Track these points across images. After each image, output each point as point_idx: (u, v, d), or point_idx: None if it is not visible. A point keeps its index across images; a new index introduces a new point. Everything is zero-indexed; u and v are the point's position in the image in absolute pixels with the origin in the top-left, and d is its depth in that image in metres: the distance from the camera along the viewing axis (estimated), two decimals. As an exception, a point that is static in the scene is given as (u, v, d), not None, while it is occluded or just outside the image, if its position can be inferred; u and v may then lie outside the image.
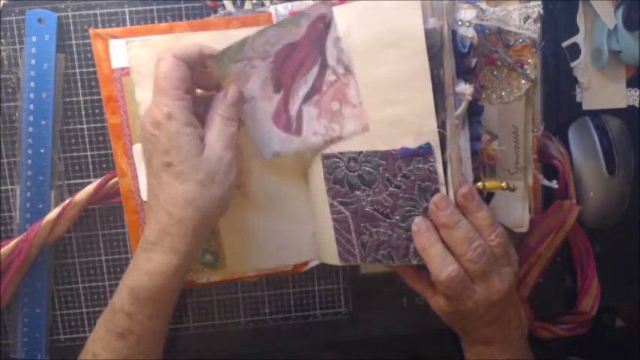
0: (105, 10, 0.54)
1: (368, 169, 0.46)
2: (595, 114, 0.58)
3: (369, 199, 0.47)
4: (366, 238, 0.48)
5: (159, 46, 0.50)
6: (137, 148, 0.52)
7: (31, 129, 0.54)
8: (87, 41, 0.53)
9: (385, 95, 0.45)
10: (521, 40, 0.49)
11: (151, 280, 0.43)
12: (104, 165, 0.55)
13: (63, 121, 0.55)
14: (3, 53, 0.54)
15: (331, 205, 0.49)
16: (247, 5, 0.53)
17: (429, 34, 0.43)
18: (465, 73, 0.45)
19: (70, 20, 0.54)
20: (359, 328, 0.59)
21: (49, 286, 0.56)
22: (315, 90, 0.47)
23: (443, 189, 0.45)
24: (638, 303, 0.61)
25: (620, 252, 0.59)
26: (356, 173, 0.47)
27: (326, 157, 0.48)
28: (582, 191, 0.57)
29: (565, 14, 0.57)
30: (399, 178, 0.46)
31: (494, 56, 0.49)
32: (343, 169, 0.47)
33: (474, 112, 0.46)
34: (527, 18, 0.48)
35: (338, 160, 0.47)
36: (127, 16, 0.54)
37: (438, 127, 0.44)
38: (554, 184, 0.55)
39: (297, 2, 0.51)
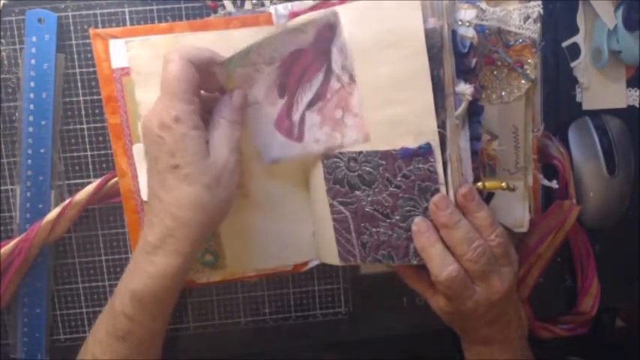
0: (105, 10, 0.54)
1: (368, 169, 0.46)
2: (595, 114, 0.58)
3: (369, 199, 0.47)
4: (366, 238, 0.48)
5: (159, 46, 0.50)
6: (137, 148, 0.52)
7: (31, 129, 0.54)
8: (87, 41, 0.53)
9: (385, 95, 0.45)
10: (521, 40, 0.49)
11: (153, 284, 0.43)
12: (104, 165, 0.55)
13: (63, 121, 0.55)
14: (3, 53, 0.54)
15: (331, 205, 0.49)
16: (247, 5, 0.53)
17: (429, 34, 0.43)
18: (465, 73, 0.45)
19: (70, 20, 0.54)
20: (359, 328, 0.59)
21: (49, 286, 0.56)
22: (319, 97, 0.47)
23: (443, 189, 0.45)
24: (638, 303, 0.61)
25: (620, 252, 0.59)
26: (356, 173, 0.47)
27: (326, 157, 0.48)
28: (582, 191, 0.57)
29: (565, 14, 0.57)
30: (399, 178, 0.46)
31: (494, 56, 0.49)
32: (343, 169, 0.47)
33: (474, 112, 0.46)
34: (527, 18, 0.48)
35: (338, 160, 0.47)
36: (127, 16, 0.54)
37: (438, 127, 0.44)
38: (554, 184, 0.55)
39: (297, 2, 0.51)
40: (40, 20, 0.53)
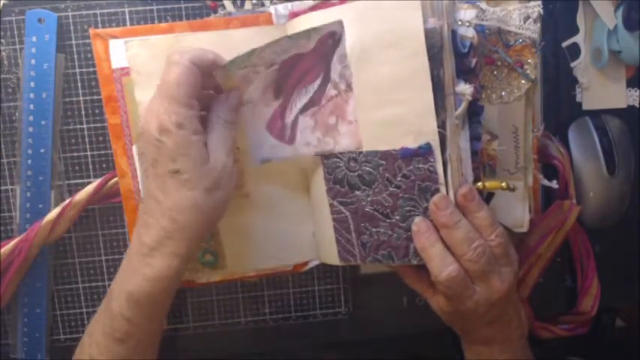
0: (105, 10, 0.54)
1: (368, 169, 0.46)
2: (595, 114, 0.58)
3: (369, 199, 0.47)
4: (366, 238, 0.48)
5: (158, 46, 0.50)
6: (137, 148, 0.52)
7: (31, 129, 0.54)
8: (87, 41, 0.53)
9: (385, 95, 0.45)
10: (521, 40, 0.49)
11: (150, 286, 0.43)
12: (104, 165, 0.55)
13: (63, 121, 0.55)
14: (3, 53, 0.54)
15: (331, 205, 0.49)
16: (247, 5, 0.53)
17: (429, 34, 0.43)
18: (465, 73, 0.45)
19: (70, 20, 0.54)
20: (359, 328, 0.59)
21: (49, 286, 0.56)
22: (314, 102, 0.47)
23: (443, 189, 0.45)
24: (638, 303, 0.61)
25: (620, 252, 0.59)
26: (356, 173, 0.47)
27: (326, 157, 0.48)
28: (582, 191, 0.57)
29: (565, 14, 0.57)
30: (399, 178, 0.46)
31: (494, 56, 0.49)
32: (343, 169, 0.47)
33: (474, 112, 0.46)
34: (527, 18, 0.48)
35: (338, 160, 0.47)
36: (127, 16, 0.54)
37: (438, 127, 0.44)
38: (554, 184, 0.55)
39: (297, 2, 0.51)
40: (40, 20, 0.53)
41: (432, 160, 0.45)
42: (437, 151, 0.44)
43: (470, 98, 0.44)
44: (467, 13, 0.45)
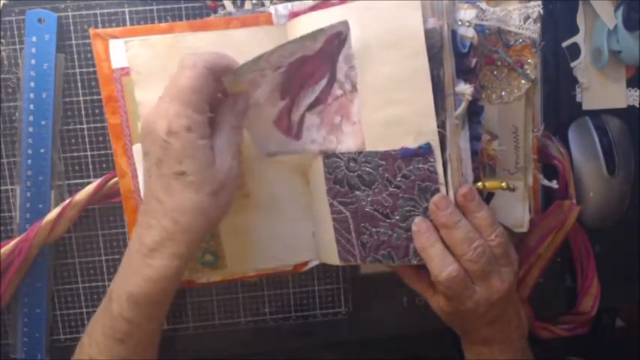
0: (105, 10, 0.54)
1: (368, 169, 0.46)
2: (595, 114, 0.58)
3: (369, 199, 0.47)
4: (366, 238, 0.48)
5: (158, 46, 0.50)
6: (137, 148, 0.52)
7: (31, 129, 0.54)
8: (87, 41, 0.53)
9: (385, 95, 0.45)
10: (521, 40, 0.49)
11: (152, 286, 0.43)
12: (104, 165, 0.55)
13: (63, 121, 0.55)
14: (3, 53, 0.54)
15: (331, 205, 0.49)
16: (247, 5, 0.53)
17: (429, 34, 0.43)
18: (465, 73, 0.45)
19: (70, 20, 0.54)
20: (359, 328, 0.59)
21: (49, 286, 0.56)
22: (320, 100, 0.47)
23: (443, 189, 0.45)
24: (638, 303, 0.61)
25: (620, 252, 0.59)
26: (356, 173, 0.47)
27: (326, 157, 0.48)
28: (582, 191, 0.57)
29: (565, 14, 0.57)
30: (398, 178, 0.46)
31: (494, 56, 0.49)
32: (343, 169, 0.47)
33: (474, 112, 0.46)
34: (527, 18, 0.48)
35: (338, 160, 0.48)
36: (127, 16, 0.54)
37: (438, 127, 0.44)
38: (554, 184, 0.55)
39: (297, 2, 0.51)
40: (40, 20, 0.53)
41: (431, 160, 0.45)
42: (437, 151, 0.44)
43: (470, 98, 0.44)
44: (467, 13, 0.45)
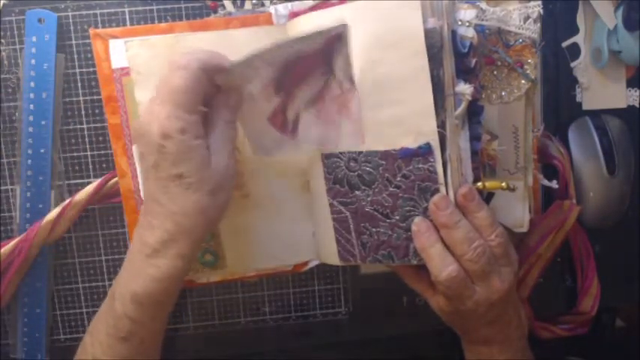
0: (105, 10, 0.54)
1: (368, 169, 0.46)
2: (595, 114, 0.58)
3: (369, 199, 0.47)
4: (366, 238, 0.48)
5: (158, 46, 0.50)
6: (136, 149, 0.52)
7: (31, 129, 0.54)
8: (87, 41, 0.53)
9: (385, 95, 0.45)
10: (521, 40, 0.49)
11: (156, 286, 0.43)
12: (104, 165, 0.55)
13: (63, 121, 0.55)
14: (3, 53, 0.54)
15: (331, 205, 0.49)
16: (247, 5, 0.53)
17: (429, 34, 0.43)
18: (465, 73, 0.45)
19: (70, 20, 0.54)
20: (359, 328, 0.59)
21: (49, 286, 0.56)
22: (317, 98, 0.47)
23: (443, 189, 0.45)
24: (638, 303, 0.61)
25: (620, 252, 0.59)
26: (356, 173, 0.47)
27: (326, 156, 0.48)
28: (582, 191, 0.57)
29: (565, 14, 0.57)
30: (398, 178, 0.46)
31: (494, 56, 0.49)
32: (343, 169, 0.47)
33: (474, 112, 0.46)
34: (527, 18, 0.48)
35: (338, 159, 0.47)
36: (127, 16, 0.54)
37: (438, 127, 0.44)
38: (554, 184, 0.55)
39: (297, 2, 0.51)
40: (40, 20, 0.53)
41: (431, 160, 0.45)
42: (437, 151, 0.44)
43: (470, 98, 0.44)
44: (467, 13, 0.45)
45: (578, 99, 0.58)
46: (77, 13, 0.54)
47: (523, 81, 0.49)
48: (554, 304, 0.60)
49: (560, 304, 0.60)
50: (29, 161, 0.54)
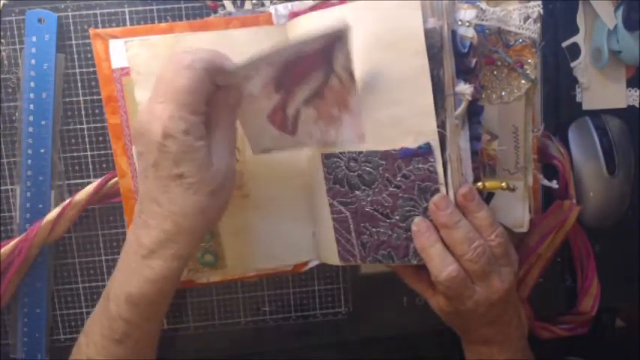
0: (105, 10, 0.54)
1: (368, 169, 0.46)
2: (595, 114, 0.58)
3: (369, 199, 0.47)
4: (366, 238, 0.48)
5: (158, 46, 0.50)
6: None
7: (31, 129, 0.54)
8: (87, 41, 0.53)
9: (385, 95, 0.45)
10: (521, 40, 0.49)
11: (151, 287, 0.43)
12: (104, 165, 0.55)
13: (63, 121, 0.55)
14: (3, 53, 0.54)
15: (331, 205, 0.49)
16: (247, 5, 0.53)
17: (429, 34, 0.43)
18: (465, 73, 0.45)
19: (70, 20, 0.54)
20: (359, 328, 0.59)
21: (49, 286, 0.56)
22: (317, 93, 0.46)
23: (443, 189, 0.45)
24: (638, 303, 0.61)
25: (620, 252, 0.59)
26: (356, 173, 0.47)
27: (326, 156, 0.48)
28: (582, 191, 0.57)
29: (565, 14, 0.57)
30: (398, 178, 0.46)
31: (494, 56, 0.49)
32: (343, 169, 0.47)
33: (473, 112, 0.46)
34: (527, 18, 0.48)
35: (338, 160, 0.47)
36: (127, 16, 0.54)
37: (438, 127, 0.44)
38: (554, 184, 0.55)
39: (297, 2, 0.51)
40: (40, 20, 0.53)
41: (431, 160, 0.45)
42: (437, 151, 0.44)
43: (470, 98, 0.44)
44: (467, 13, 0.45)
45: (578, 99, 0.58)
46: (77, 13, 0.54)
47: (523, 81, 0.50)
48: (554, 304, 0.60)
49: (560, 304, 0.60)
50: (29, 161, 0.54)
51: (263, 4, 0.53)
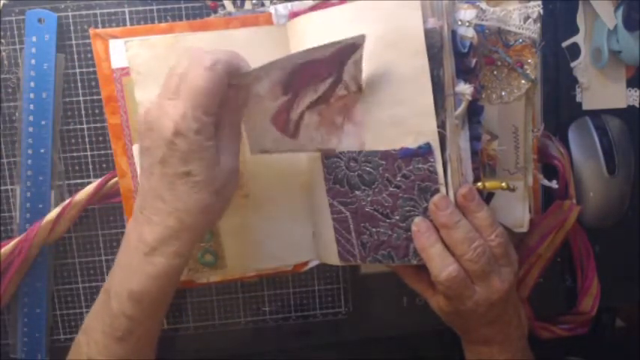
0: (105, 10, 0.54)
1: (368, 169, 0.46)
2: (595, 114, 0.58)
3: (369, 199, 0.47)
4: (366, 238, 0.48)
5: (158, 46, 0.50)
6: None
7: (31, 129, 0.54)
8: (87, 41, 0.53)
9: (385, 95, 0.45)
10: (521, 40, 0.49)
11: (153, 284, 0.43)
12: (104, 165, 0.55)
13: (63, 121, 0.55)
14: (3, 53, 0.54)
15: (331, 205, 0.49)
16: (247, 5, 0.53)
17: (429, 34, 0.43)
18: (465, 73, 0.45)
19: (70, 20, 0.54)
20: (359, 328, 0.59)
21: (49, 286, 0.56)
22: (322, 99, 0.46)
23: (443, 189, 0.45)
24: (638, 303, 0.61)
25: (620, 252, 0.59)
26: (356, 173, 0.47)
27: (326, 156, 0.48)
28: (582, 191, 0.57)
29: (565, 14, 0.57)
30: (398, 178, 0.46)
31: (494, 56, 0.49)
32: (343, 169, 0.47)
33: (474, 112, 0.46)
34: (527, 18, 0.48)
35: (338, 160, 0.47)
36: (127, 16, 0.54)
37: (438, 127, 0.44)
38: (554, 184, 0.55)
39: (297, 2, 0.51)
40: (40, 20, 0.53)
41: (431, 160, 0.45)
42: (437, 151, 0.44)
43: (470, 98, 0.44)
44: (467, 13, 0.45)
45: (578, 99, 0.58)
46: (77, 13, 0.54)
47: (523, 81, 0.50)
48: (554, 304, 0.60)
49: (560, 304, 0.60)
50: (29, 161, 0.54)
51: (263, 4, 0.53)
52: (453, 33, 0.44)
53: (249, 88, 0.44)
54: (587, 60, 0.57)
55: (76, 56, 0.54)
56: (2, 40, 0.54)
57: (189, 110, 0.40)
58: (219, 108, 0.42)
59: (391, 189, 0.46)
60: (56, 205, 0.54)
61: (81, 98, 0.55)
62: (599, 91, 0.58)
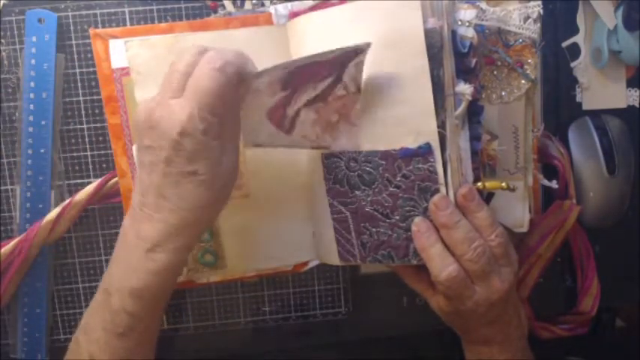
0: (105, 10, 0.54)
1: (368, 169, 0.46)
2: (595, 114, 0.58)
3: (369, 199, 0.47)
4: (366, 238, 0.48)
5: (158, 46, 0.50)
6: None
7: (31, 129, 0.54)
8: (87, 41, 0.53)
9: (385, 95, 0.45)
10: (521, 40, 0.49)
11: (154, 280, 0.43)
12: (104, 165, 0.55)
13: (63, 121, 0.55)
14: (3, 53, 0.54)
15: (331, 205, 0.49)
16: (247, 5, 0.53)
17: (429, 34, 0.43)
18: (465, 73, 0.45)
19: (70, 20, 0.54)
20: (359, 328, 0.59)
21: (49, 286, 0.56)
22: (320, 98, 0.46)
23: (443, 189, 0.45)
24: (638, 303, 0.61)
25: (620, 252, 0.59)
26: (356, 173, 0.47)
27: (326, 156, 0.48)
28: (582, 191, 0.57)
29: (565, 14, 0.57)
30: (398, 178, 0.46)
31: (494, 56, 0.49)
32: (343, 169, 0.47)
33: (474, 112, 0.46)
34: (527, 18, 0.48)
35: (338, 160, 0.47)
36: (127, 16, 0.54)
37: (438, 127, 0.44)
38: (554, 184, 0.55)
39: (297, 2, 0.51)
40: (40, 20, 0.53)
41: (431, 160, 0.45)
42: (437, 151, 0.44)
43: (470, 98, 0.44)
44: (467, 13, 0.45)
45: (578, 99, 0.58)
46: (77, 13, 0.54)
47: (523, 81, 0.50)
48: (554, 304, 0.60)
49: (560, 304, 0.60)
50: (29, 161, 0.54)
51: (263, 4, 0.53)
52: (453, 33, 0.44)
53: (249, 84, 0.44)
54: (587, 60, 0.58)
55: (76, 56, 0.54)
56: (2, 40, 0.54)
57: (197, 110, 0.39)
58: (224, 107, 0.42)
59: (391, 189, 0.46)
60: (56, 205, 0.54)
61: (81, 98, 0.55)
62: (599, 91, 0.58)
